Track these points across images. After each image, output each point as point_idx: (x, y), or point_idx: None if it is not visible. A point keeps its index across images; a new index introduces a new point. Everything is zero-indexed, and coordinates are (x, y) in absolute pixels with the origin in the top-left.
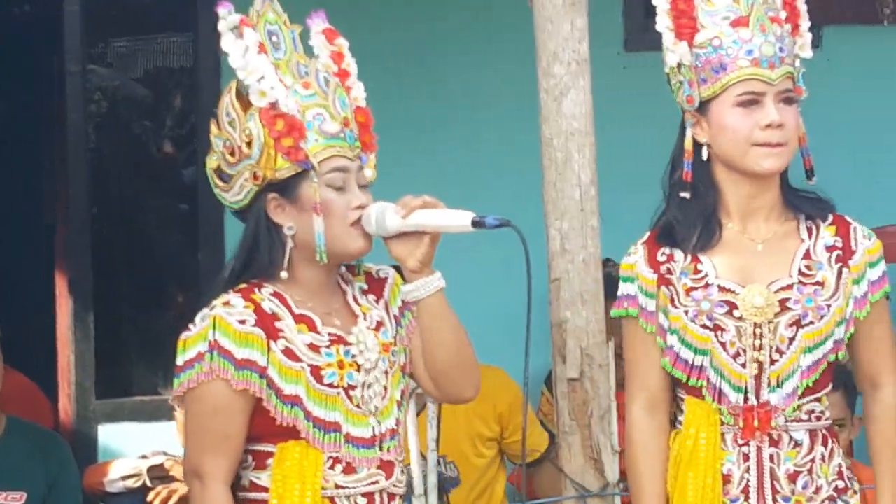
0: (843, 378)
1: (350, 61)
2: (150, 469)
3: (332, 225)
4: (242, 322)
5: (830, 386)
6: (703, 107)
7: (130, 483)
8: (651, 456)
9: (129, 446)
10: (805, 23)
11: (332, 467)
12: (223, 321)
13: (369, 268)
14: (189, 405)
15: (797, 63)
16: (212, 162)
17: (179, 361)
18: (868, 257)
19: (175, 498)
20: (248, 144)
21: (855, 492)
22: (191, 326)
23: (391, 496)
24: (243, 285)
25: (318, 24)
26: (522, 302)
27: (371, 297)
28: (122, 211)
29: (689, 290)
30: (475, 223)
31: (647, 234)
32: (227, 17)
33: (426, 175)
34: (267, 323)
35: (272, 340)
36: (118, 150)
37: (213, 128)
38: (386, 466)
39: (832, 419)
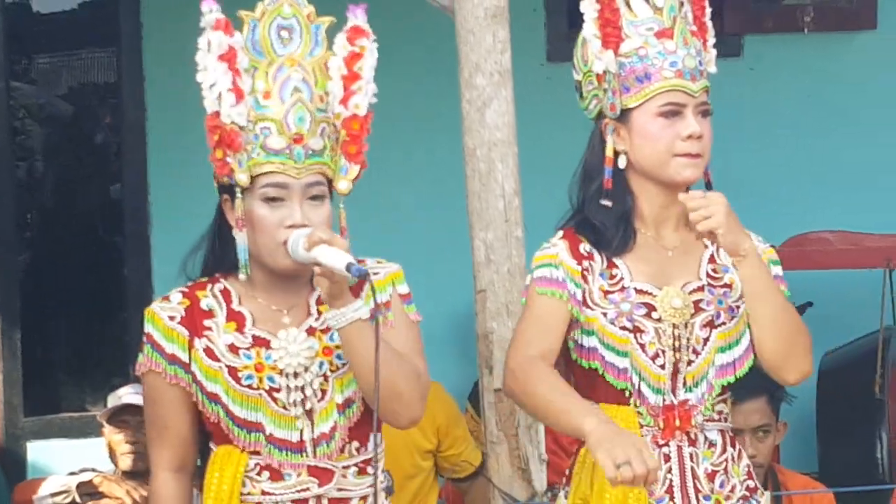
0: (766, 384)
1: (365, 64)
2: (80, 486)
3: (262, 240)
4: (171, 318)
5: (730, 391)
6: (624, 115)
7: (60, 500)
8: (547, 373)
9: (59, 463)
10: (711, 39)
11: (258, 473)
12: (155, 315)
13: (367, 266)
14: (143, 389)
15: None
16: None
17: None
18: (767, 256)
19: None
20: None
21: (762, 492)
22: None
23: (338, 500)
24: (202, 279)
25: (350, 19)
26: (448, 317)
27: (322, 319)
28: (50, 228)
29: (606, 293)
30: (347, 269)
31: (561, 232)
32: (206, 15)
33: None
34: (195, 320)
35: (196, 338)
36: (44, 167)
37: None
38: (319, 472)
39: (757, 425)
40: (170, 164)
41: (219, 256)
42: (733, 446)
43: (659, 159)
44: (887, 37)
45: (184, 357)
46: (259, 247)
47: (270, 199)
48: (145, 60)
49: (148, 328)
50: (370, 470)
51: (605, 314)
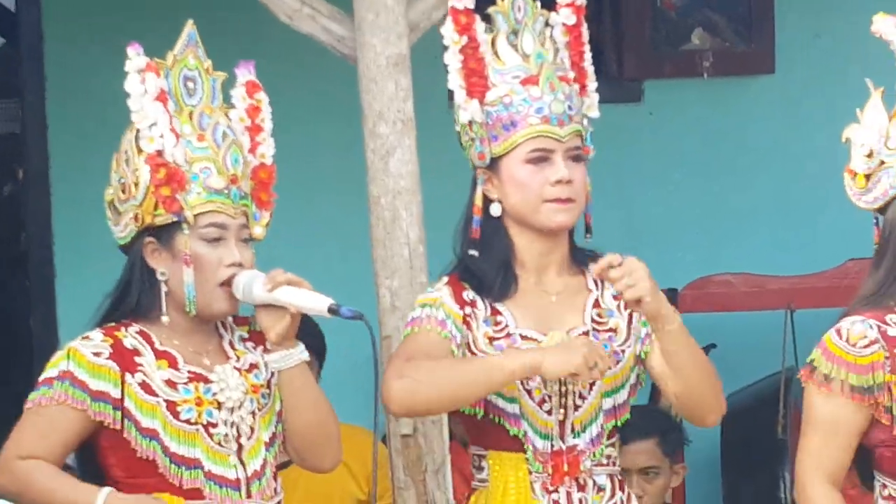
0: (657, 424)
1: (265, 117)
2: None
3: (200, 281)
4: (97, 354)
5: (617, 435)
6: (494, 164)
7: None
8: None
9: None
10: (592, 83)
11: None
12: (77, 352)
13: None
14: (26, 418)
15: (585, 122)
16: (108, 195)
17: (40, 378)
18: None
19: None
20: (136, 185)
21: None
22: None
23: None
24: (111, 324)
25: (243, 74)
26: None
27: (250, 344)
28: None
29: (491, 339)
30: (331, 310)
31: (445, 278)
32: (133, 59)
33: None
34: (124, 357)
35: (128, 373)
36: None
37: (114, 163)
38: None
39: (643, 466)
40: (75, 212)
41: (139, 302)
42: (622, 490)
43: (530, 206)
44: (785, 81)
45: (115, 393)
46: (199, 288)
47: (211, 240)
48: (49, 111)
49: (67, 366)
50: None
51: None
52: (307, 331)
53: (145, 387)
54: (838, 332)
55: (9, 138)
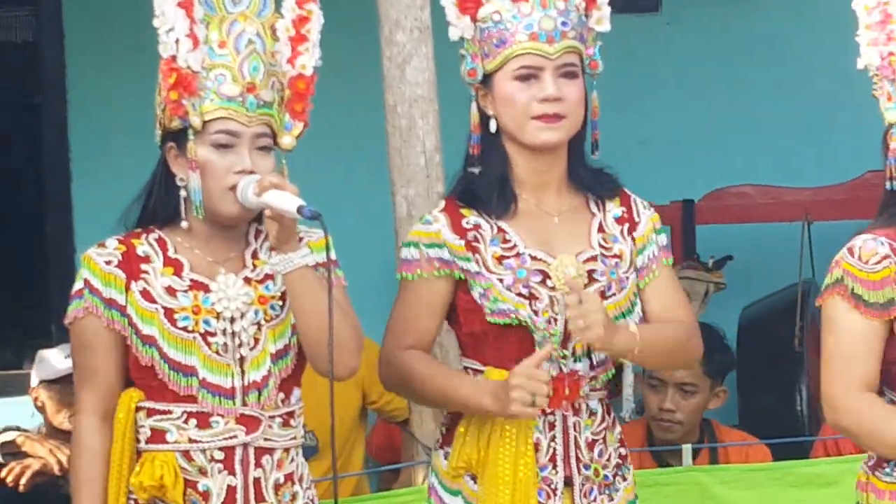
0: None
1: (313, 28)
2: (2, 445)
3: (209, 186)
4: (108, 262)
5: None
6: (488, 80)
7: None
8: (419, 358)
9: None
10: None
11: (185, 422)
12: (91, 261)
13: (299, 232)
14: (71, 339)
15: (591, 36)
16: (155, 103)
17: (70, 294)
18: (653, 225)
19: (28, 474)
20: (160, 92)
21: (629, 460)
22: None
23: (264, 450)
24: (136, 230)
25: None
26: (370, 273)
27: (273, 254)
28: None
29: (500, 259)
30: (298, 210)
31: (442, 203)
32: None
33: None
34: (132, 264)
35: (133, 280)
36: None
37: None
38: (247, 421)
39: (679, 381)
40: (92, 119)
41: (159, 207)
42: (609, 414)
43: (517, 123)
44: None
45: (120, 300)
46: (206, 192)
47: (221, 146)
48: (65, 18)
49: (85, 274)
50: (293, 423)
51: (501, 280)
52: None
53: (145, 294)
54: (850, 250)
55: (25, 46)
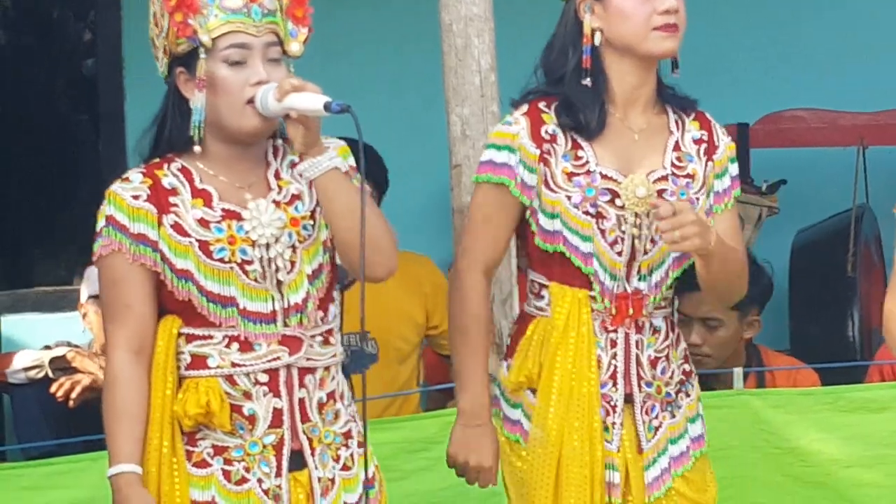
0: None
1: None
2: (53, 360)
3: (225, 102)
4: (136, 197)
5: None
6: None
7: (32, 374)
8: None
9: (32, 337)
10: None
11: (227, 346)
12: (117, 196)
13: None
14: (99, 276)
15: None
16: (150, 32)
17: (96, 230)
18: (729, 153)
19: (78, 389)
20: (163, 17)
21: (696, 375)
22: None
23: (306, 370)
24: (155, 160)
25: None
26: (425, 192)
27: (297, 171)
28: (20, 101)
29: (570, 175)
30: (326, 107)
31: (525, 106)
32: None
33: (332, 57)
34: (160, 198)
35: (164, 215)
36: (17, 43)
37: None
38: (289, 342)
39: (703, 316)
40: (145, 36)
41: (175, 134)
42: (673, 331)
43: (637, 34)
44: None
45: (153, 235)
46: (224, 110)
47: (234, 63)
48: None
49: (109, 210)
50: (332, 340)
51: (569, 197)
52: (369, 159)
53: (177, 228)
54: None
55: None
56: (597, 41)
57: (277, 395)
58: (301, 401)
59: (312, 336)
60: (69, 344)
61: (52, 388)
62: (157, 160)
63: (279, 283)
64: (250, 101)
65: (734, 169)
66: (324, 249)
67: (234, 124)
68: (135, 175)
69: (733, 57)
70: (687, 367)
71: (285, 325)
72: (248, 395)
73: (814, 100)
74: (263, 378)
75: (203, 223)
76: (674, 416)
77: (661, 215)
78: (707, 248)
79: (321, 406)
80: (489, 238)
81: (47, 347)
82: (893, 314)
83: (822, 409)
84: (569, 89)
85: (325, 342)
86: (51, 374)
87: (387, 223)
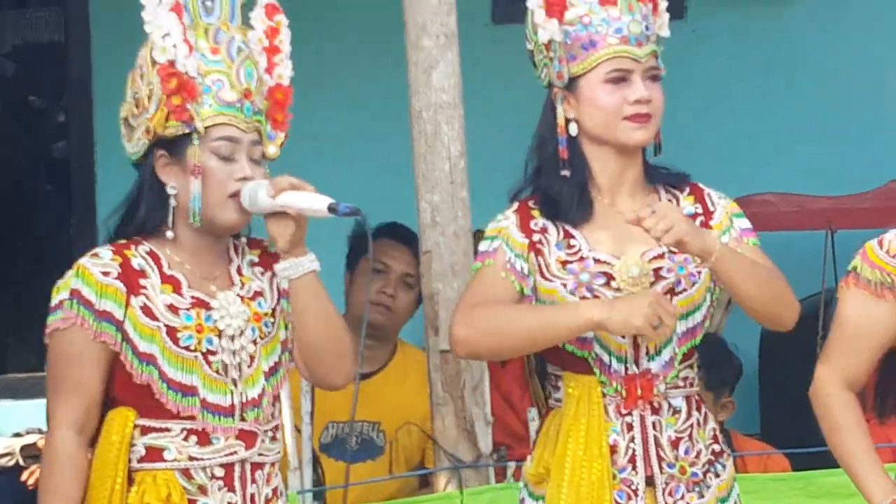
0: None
1: (284, 38)
2: (24, 448)
3: (210, 193)
4: (105, 273)
5: (696, 355)
6: (572, 83)
7: (3, 462)
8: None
9: (4, 425)
10: (664, 3)
11: (185, 439)
12: (86, 271)
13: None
14: (50, 350)
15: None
16: (122, 111)
17: (51, 304)
18: (730, 211)
19: None
20: (149, 98)
21: (729, 454)
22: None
23: (257, 465)
24: (122, 241)
25: None
26: None
27: (258, 270)
28: None
29: (564, 263)
30: (331, 209)
31: (516, 204)
32: None
33: (301, 145)
34: (130, 277)
35: (132, 295)
36: None
37: (129, 79)
38: (246, 436)
39: None
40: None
41: (149, 217)
42: (699, 411)
43: (608, 124)
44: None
45: (118, 314)
46: (209, 199)
47: (223, 157)
48: (91, 19)
49: (76, 283)
50: (278, 437)
51: (564, 285)
52: None
53: (146, 310)
54: (880, 242)
55: (51, 46)
56: (573, 131)
57: (232, 489)
58: (252, 496)
59: (265, 431)
60: (40, 431)
61: (23, 476)
62: (125, 241)
63: (239, 375)
64: (233, 195)
65: (742, 223)
66: (281, 348)
67: (213, 215)
68: (104, 252)
69: (701, 140)
70: (717, 447)
71: (242, 419)
72: (203, 490)
73: (782, 184)
74: (219, 472)
75: (172, 309)
76: (702, 496)
77: (642, 215)
78: (695, 237)
79: (267, 502)
80: (485, 294)
81: (18, 435)
82: (823, 382)
83: (794, 495)
84: (546, 181)
85: (273, 438)
86: (21, 462)
87: (346, 327)
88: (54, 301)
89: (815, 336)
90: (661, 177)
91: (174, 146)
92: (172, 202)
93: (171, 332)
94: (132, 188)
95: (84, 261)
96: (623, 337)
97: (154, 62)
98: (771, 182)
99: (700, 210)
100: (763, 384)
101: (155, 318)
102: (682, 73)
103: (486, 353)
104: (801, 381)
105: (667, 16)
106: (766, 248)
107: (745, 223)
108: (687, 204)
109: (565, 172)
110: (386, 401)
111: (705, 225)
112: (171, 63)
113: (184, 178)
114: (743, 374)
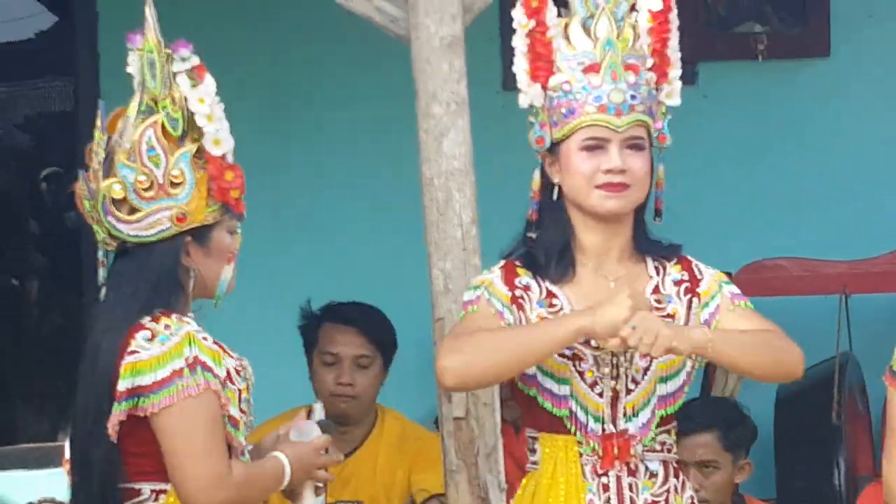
0: (720, 417)
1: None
2: None
3: (228, 268)
4: (206, 339)
5: (675, 422)
6: (556, 148)
7: None
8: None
9: (18, 494)
10: (675, 71)
11: None
12: (196, 338)
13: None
14: (176, 425)
15: (661, 110)
16: (115, 191)
17: (148, 381)
18: (718, 278)
19: None
20: (174, 185)
21: None
22: (140, 348)
23: None
24: (157, 313)
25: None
26: (409, 346)
27: None
28: (3, 254)
29: (545, 320)
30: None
31: (502, 262)
32: (188, 59)
33: (306, 215)
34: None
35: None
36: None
37: (122, 156)
38: None
39: (700, 460)
40: None
41: (164, 299)
42: (676, 477)
43: (581, 191)
44: (840, 65)
45: (223, 376)
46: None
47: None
48: (102, 89)
49: (194, 351)
50: None
51: None
52: (379, 325)
53: (228, 374)
54: None
55: (62, 116)
56: (555, 195)
57: None
58: None
59: None
60: (53, 501)
61: None
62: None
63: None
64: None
65: (731, 288)
66: None
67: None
68: (190, 321)
69: (714, 206)
70: None
71: None
72: None
73: (795, 248)
74: None
75: (237, 372)
76: None
77: (623, 335)
78: (681, 340)
79: None
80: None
81: None
82: (892, 484)
83: None
84: (528, 242)
85: None
86: None
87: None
88: (164, 373)
89: (829, 400)
90: (651, 247)
91: (203, 232)
92: (190, 286)
93: (240, 394)
94: (150, 269)
95: (189, 328)
96: (600, 395)
97: (173, 145)
98: (783, 246)
99: (686, 277)
100: (778, 449)
101: (234, 382)
102: (693, 137)
103: (476, 378)
104: (817, 445)
105: (678, 84)
106: (779, 312)
107: (735, 289)
108: (674, 272)
109: (531, 234)
110: (365, 478)
111: (692, 291)
112: (225, 156)
113: (205, 261)
114: (758, 438)
